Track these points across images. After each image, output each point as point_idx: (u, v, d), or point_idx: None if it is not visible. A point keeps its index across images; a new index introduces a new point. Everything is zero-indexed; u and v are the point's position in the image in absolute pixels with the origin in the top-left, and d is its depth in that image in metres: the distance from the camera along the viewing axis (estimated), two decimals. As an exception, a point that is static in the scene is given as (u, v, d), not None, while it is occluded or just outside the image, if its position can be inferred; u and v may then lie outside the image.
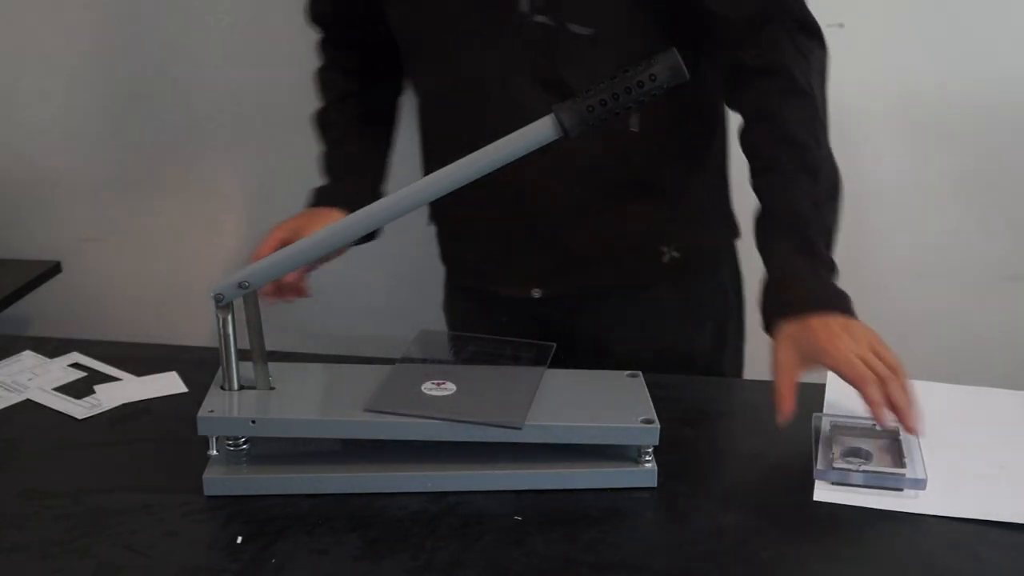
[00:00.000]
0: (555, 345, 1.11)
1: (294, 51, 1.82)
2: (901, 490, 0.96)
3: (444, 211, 1.33)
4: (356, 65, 1.33)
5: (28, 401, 1.16)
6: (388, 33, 1.23)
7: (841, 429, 1.04)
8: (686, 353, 1.28)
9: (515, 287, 1.28)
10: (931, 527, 0.92)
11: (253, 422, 0.95)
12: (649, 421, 0.97)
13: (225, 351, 0.98)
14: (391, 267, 1.81)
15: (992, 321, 1.80)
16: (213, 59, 1.84)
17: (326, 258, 1.21)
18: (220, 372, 1.00)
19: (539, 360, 1.09)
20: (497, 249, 1.27)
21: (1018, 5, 1.61)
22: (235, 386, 0.99)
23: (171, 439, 1.06)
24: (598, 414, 0.98)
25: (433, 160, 1.26)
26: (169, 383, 1.19)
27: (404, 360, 1.08)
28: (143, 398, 1.16)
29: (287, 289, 1.19)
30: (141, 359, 1.24)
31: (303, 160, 1.91)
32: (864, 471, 0.97)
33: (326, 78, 1.35)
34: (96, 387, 1.19)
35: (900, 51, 1.64)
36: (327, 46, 1.35)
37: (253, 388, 1.00)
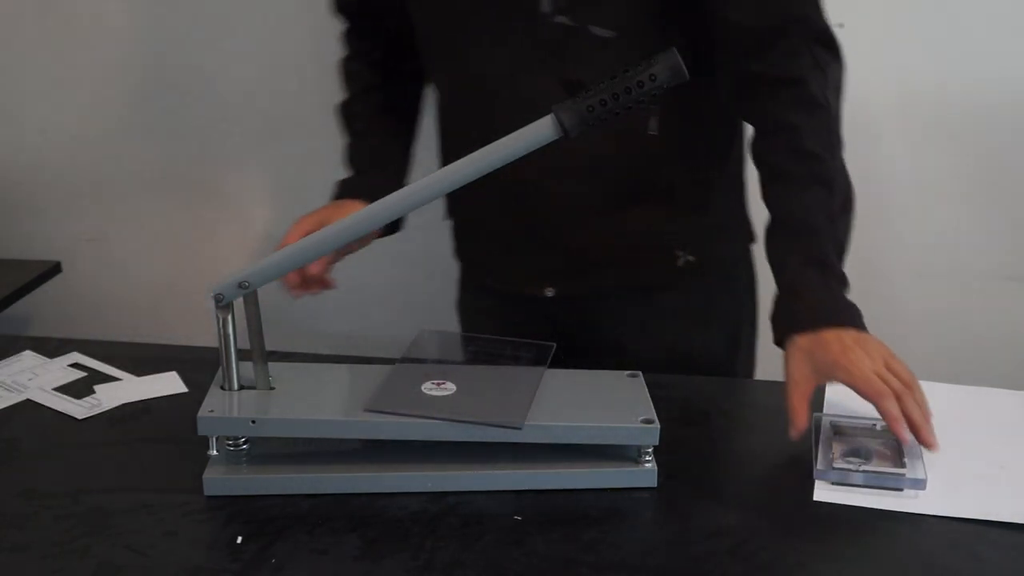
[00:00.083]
0: (555, 345, 1.11)
1: (295, 52, 1.83)
2: (901, 490, 0.96)
3: (460, 207, 1.33)
4: (380, 56, 1.33)
5: (28, 401, 1.16)
6: (411, 25, 1.23)
7: (841, 429, 1.04)
8: (700, 356, 1.27)
9: (528, 286, 1.28)
10: (931, 527, 0.92)
11: (253, 422, 0.95)
12: (649, 421, 0.97)
13: (225, 351, 0.98)
14: (391, 267, 1.81)
15: (992, 321, 1.80)
16: (214, 60, 1.85)
17: (349, 249, 1.21)
18: (220, 372, 1.00)
19: (539, 360, 1.08)
20: (511, 247, 1.27)
21: (1018, 5, 1.61)
22: (235, 386, 0.99)
23: (171, 439, 1.06)
24: (598, 414, 0.98)
25: (448, 156, 1.27)
26: (169, 383, 1.19)
27: (404, 360, 1.08)
28: (143, 398, 1.16)
29: (313, 282, 1.19)
30: (141, 359, 1.24)
31: (303, 160, 1.91)
32: (864, 471, 0.97)
33: (350, 69, 1.35)
34: (96, 387, 1.19)
35: (900, 51, 1.64)
36: (352, 37, 1.36)
37: (253, 388, 1.00)
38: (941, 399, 1.02)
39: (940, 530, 0.92)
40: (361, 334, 1.92)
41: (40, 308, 2.00)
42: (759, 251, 1.14)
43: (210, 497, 0.96)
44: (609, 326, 1.28)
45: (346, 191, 1.27)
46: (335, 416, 0.97)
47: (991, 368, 1.41)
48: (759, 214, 1.13)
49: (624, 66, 0.89)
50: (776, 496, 0.98)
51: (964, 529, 0.92)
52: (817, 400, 1.11)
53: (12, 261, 1.98)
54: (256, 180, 1.94)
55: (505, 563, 0.87)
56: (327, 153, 1.86)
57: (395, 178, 1.30)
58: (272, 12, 1.80)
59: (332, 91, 1.83)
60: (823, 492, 0.96)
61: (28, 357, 1.27)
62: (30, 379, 1.20)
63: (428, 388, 1.01)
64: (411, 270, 1.87)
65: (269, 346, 1.00)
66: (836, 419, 1.05)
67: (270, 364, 1.01)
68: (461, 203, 1.32)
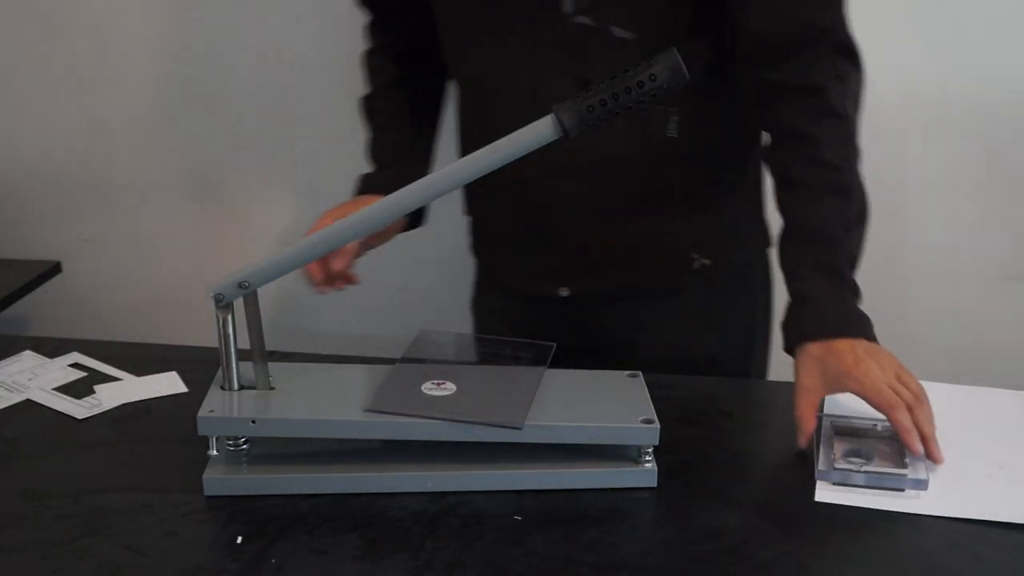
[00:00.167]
0: (555, 345, 1.11)
1: (295, 52, 1.83)
2: (903, 491, 0.96)
3: (479, 204, 1.33)
4: (403, 50, 1.33)
5: (28, 401, 1.16)
6: (434, 19, 1.23)
7: (842, 429, 1.04)
8: (714, 358, 1.27)
9: (543, 285, 1.27)
10: (931, 527, 0.92)
11: (253, 422, 0.95)
12: (649, 421, 0.97)
13: (225, 351, 0.98)
14: (391, 267, 1.81)
15: (992, 321, 1.80)
16: (214, 60, 1.84)
17: (371, 244, 1.21)
18: (220, 372, 1.00)
19: (539, 360, 1.08)
20: (528, 245, 1.27)
21: (1018, 5, 1.61)
22: (235, 386, 0.99)
23: (171, 439, 1.06)
24: (598, 414, 0.98)
25: (466, 152, 1.26)
26: (169, 383, 1.19)
27: (404, 360, 1.08)
28: (143, 398, 1.16)
29: (336, 277, 1.18)
30: (141, 359, 1.24)
31: (303, 160, 1.91)
32: (866, 472, 0.97)
33: (373, 63, 1.35)
34: (96, 387, 1.19)
35: (900, 51, 1.64)
36: (375, 29, 1.35)
37: (253, 388, 1.00)
38: (941, 399, 1.02)
39: (940, 530, 0.92)
40: (361, 334, 1.92)
41: (40, 308, 2.00)
42: (775, 254, 1.14)
43: (210, 497, 0.95)
44: (623, 327, 1.27)
45: (367, 186, 1.27)
46: (335, 416, 0.97)
47: (991, 368, 1.41)
48: (777, 218, 1.13)
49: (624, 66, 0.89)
50: (776, 496, 0.98)
51: (964, 529, 0.92)
52: (817, 400, 1.11)
53: (12, 261, 1.98)
54: (256, 180, 1.94)
55: (505, 563, 0.87)
56: (327, 153, 1.87)
57: (416, 173, 1.29)
58: (272, 12, 1.80)
59: (332, 91, 1.83)
60: (824, 492, 0.96)
61: (28, 357, 1.27)
62: (30, 379, 1.20)
63: (428, 388, 1.01)
64: (411, 270, 1.87)
65: (269, 346, 1.00)
66: (837, 419, 1.05)
67: (270, 364, 1.01)
68: (479, 200, 1.32)
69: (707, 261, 1.24)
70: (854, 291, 1.06)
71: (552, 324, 1.24)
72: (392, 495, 0.96)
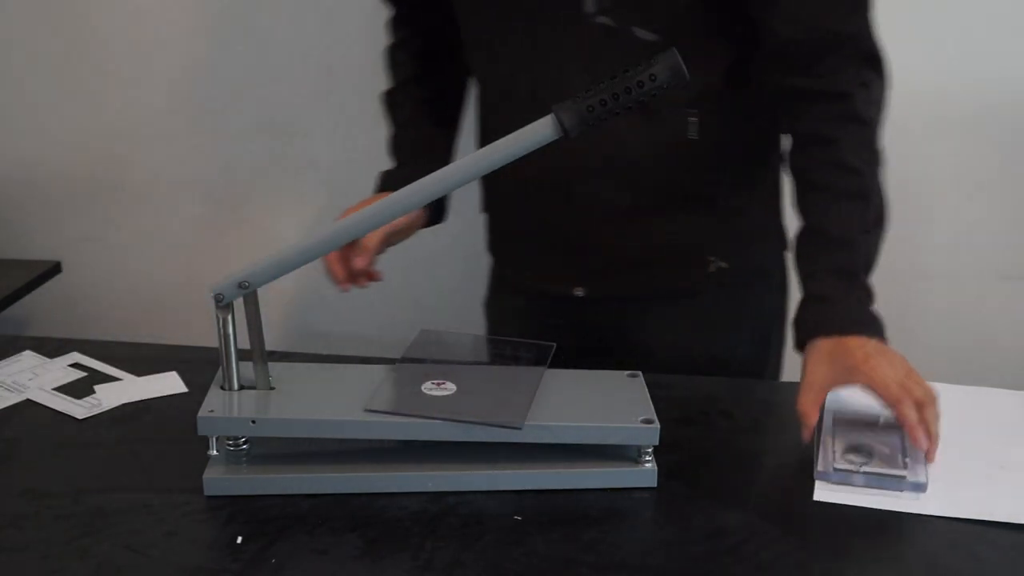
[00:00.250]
0: (555, 345, 1.11)
1: (295, 52, 1.83)
2: (902, 491, 0.96)
3: (496, 202, 1.33)
4: (424, 46, 1.33)
5: (28, 401, 1.16)
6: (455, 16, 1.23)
7: (842, 429, 1.04)
8: (728, 361, 1.27)
9: (558, 285, 1.27)
10: (931, 527, 0.92)
11: (253, 422, 0.95)
12: (649, 421, 0.97)
13: (225, 351, 0.98)
14: (391, 268, 1.81)
15: (992, 321, 1.80)
16: (214, 60, 1.85)
17: (392, 241, 1.20)
18: (220, 372, 1.00)
19: (539, 360, 1.08)
20: (544, 245, 1.26)
21: (1018, 5, 1.61)
22: (235, 386, 0.99)
23: (171, 439, 1.06)
24: (598, 414, 0.98)
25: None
26: (169, 383, 1.19)
27: (404, 360, 1.08)
28: (143, 398, 1.16)
29: (358, 275, 1.18)
30: (141, 359, 1.24)
31: (303, 160, 1.91)
32: (865, 472, 0.97)
33: (395, 59, 1.35)
34: (96, 387, 1.19)
35: (900, 51, 1.64)
36: (397, 24, 1.35)
37: (253, 388, 1.00)
38: (941, 399, 1.02)
39: (940, 530, 0.92)
40: (361, 334, 1.92)
41: (40, 308, 2.00)
42: (791, 257, 1.14)
43: (210, 497, 0.95)
44: (637, 328, 1.27)
45: (387, 182, 1.27)
46: (335, 416, 0.97)
47: (991, 368, 1.41)
48: (794, 222, 1.13)
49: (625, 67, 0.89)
50: (776, 496, 0.98)
51: (964, 529, 0.92)
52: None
53: (12, 261, 1.98)
54: (256, 180, 1.94)
55: (505, 563, 0.87)
56: (327, 153, 1.87)
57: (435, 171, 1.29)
58: (273, 12, 1.80)
59: (332, 91, 1.84)
60: (823, 492, 0.96)
61: (28, 357, 1.27)
62: (30, 379, 1.20)
63: (428, 388, 1.01)
64: (411, 270, 1.87)
65: (269, 346, 1.00)
66: (837, 419, 1.05)
67: (270, 364, 1.01)
68: (498, 199, 1.32)
69: (724, 264, 1.23)
70: (868, 294, 1.06)
71: (566, 324, 1.24)
72: (392, 495, 0.96)
